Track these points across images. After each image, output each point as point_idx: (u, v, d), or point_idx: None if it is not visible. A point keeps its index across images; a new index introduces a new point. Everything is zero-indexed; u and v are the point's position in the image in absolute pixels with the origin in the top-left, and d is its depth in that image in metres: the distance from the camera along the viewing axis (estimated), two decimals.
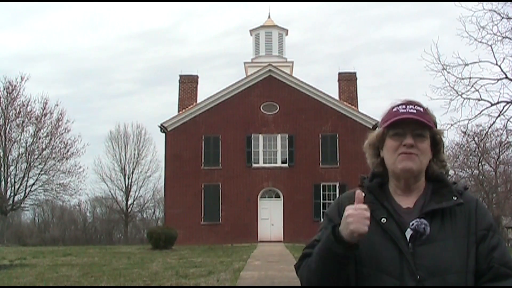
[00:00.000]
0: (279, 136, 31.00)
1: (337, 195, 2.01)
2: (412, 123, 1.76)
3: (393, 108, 1.82)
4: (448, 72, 19.06)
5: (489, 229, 1.75)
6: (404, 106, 1.79)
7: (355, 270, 1.73)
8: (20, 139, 34.82)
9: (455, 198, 1.76)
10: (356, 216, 1.61)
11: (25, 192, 35.38)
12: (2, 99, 34.41)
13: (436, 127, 1.83)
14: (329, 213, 1.90)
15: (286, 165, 30.82)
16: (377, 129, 1.88)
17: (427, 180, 1.84)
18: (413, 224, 1.70)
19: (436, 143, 1.83)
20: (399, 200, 1.81)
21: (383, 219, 1.75)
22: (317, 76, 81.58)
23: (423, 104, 1.83)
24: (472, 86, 19.04)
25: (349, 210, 1.63)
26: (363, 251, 1.71)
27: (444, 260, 1.67)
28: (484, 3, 18.46)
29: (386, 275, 1.68)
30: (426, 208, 1.75)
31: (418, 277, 1.65)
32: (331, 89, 35.46)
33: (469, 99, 19.20)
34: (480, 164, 36.10)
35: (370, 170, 1.91)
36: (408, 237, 1.70)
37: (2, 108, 34.34)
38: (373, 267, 1.70)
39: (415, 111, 1.78)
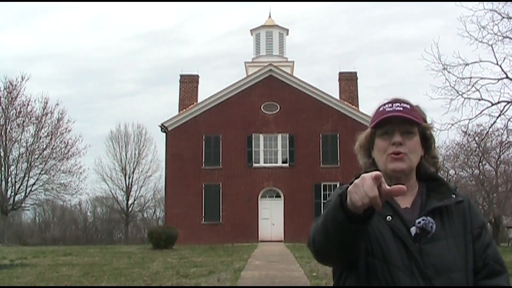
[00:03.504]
0: (279, 136, 31.00)
1: None
2: (399, 121, 1.75)
3: (380, 107, 1.82)
4: (449, 72, 19.04)
5: (482, 227, 1.77)
6: (390, 105, 1.78)
7: (366, 262, 1.69)
8: (20, 139, 34.90)
9: (454, 196, 1.77)
10: (357, 185, 1.45)
11: (26, 192, 35.43)
12: (2, 99, 34.46)
13: (425, 123, 1.83)
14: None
15: (287, 164, 30.81)
16: (367, 130, 1.87)
17: (420, 179, 1.82)
18: (419, 223, 1.69)
19: (427, 138, 1.82)
20: (396, 199, 1.79)
21: (388, 217, 1.73)
22: (319, 76, 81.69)
23: (411, 101, 1.82)
24: (473, 86, 19.02)
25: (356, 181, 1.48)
26: (374, 244, 1.69)
27: (448, 258, 1.67)
28: (485, 3, 18.46)
29: (399, 270, 1.66)
30: (428, 206, 1.74)
31: (426, 275, 1.65)
32: (333, 89, 35.50)
33: (469, 99, 19.17)
34: (480, 164, 36.05)
35: (363, 171, 1.88)
36: (413, 232, 1.69)
37: (2, 108, 34.38)
38: (386, 260, 1.68)
39: (401, 108, 1.76)
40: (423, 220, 1.69)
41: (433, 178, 1.82)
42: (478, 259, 1.72)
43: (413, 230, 1.70)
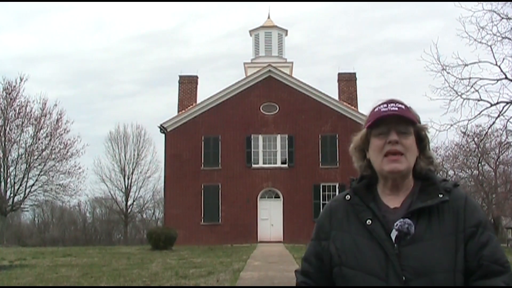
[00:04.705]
0: (278, 137, 31.00)
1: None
2: (394, 121, 1.75)
3: (375, 108, 1.82)
4: (448, 73, 19.05)
5: (478, 225, 1.72)
6: (385, 105, 1.79)
7: (340, 271, 1.74)
8: (19, 140, 34.82)
9: (441, 196, 1.74)
10: None
11: (25, 193, 35.36)
12: (1, 99, 34.44)
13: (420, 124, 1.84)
14: (320, 222, 1.90)
15: (286, 165, 30.81)
16: (362, 131, 1.86)
17: (416, 178, 1.82)
18: (397, 225, 1.69)
19: (421, 139, 1.81)
20: (387, 200, 1.80)
21: (368, 220, 1.74)
22: (319, 77, 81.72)
23: (405, 102, 1.82)
24: (472, 86, 19.03)
25: None
26: (348, 253, 1.73)
27: (430, 260, 1.65)
28: (484, 3, 18.46)
29: (372, 276, 1.67)
30: (412, 207, 1.73)
31: (404, 278, 1.64)
32: (333, 90, 35.52)
33: (468, 99, 19.18)
34: (479, 165, 36.11)
35: (358, 174, 1.90)
36: (393, 238, 1.69)
37: (1, 109, 34.35)
38: (359, 268, 1.70)
39: (396, 108, 1.77)
40: (400, 222, 1.69)
41: (426, 177, 1.82)
42: (472, 259, 1.67)
43: (394, 233, 1.69)
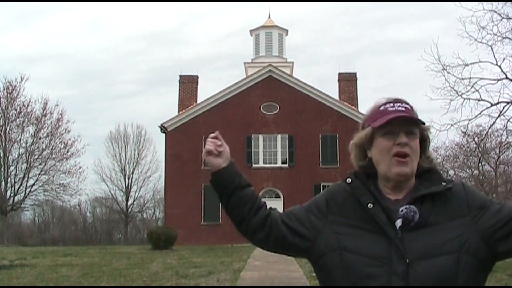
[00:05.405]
0: (279, 136, 31.01)
1: None
2: (402, 121, 1.74)
3: (379, 106, 1.80)
4: (448, 73, 19.03)
5: (483, 206, 1.72)
6: (392, 104, 1.77)
7: (341, 256, 1.71)
8: (20, 140, 34.86)
9: (444, 184, 1.75)
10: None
11: (25, 192, 35.39)
12: (2, 99, 34.46)
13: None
14: (318, 201, 1.91)
15: (286, 165, 30.82)
16: (366, 129, 1.82)
17: (416, 176, 1.81)
18: (402, 211, 1.68)
19: (424, 140, 1.82)
20: (389, 194, 1.79)
21: (369, 204, 1.73)
22: (319, 77, 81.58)
23: (409, 102, 1.82)
24: (472, 86, 19.01)
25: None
26: (349, 238, 1.72)
27: (434, 243, 1.65)
28: (484, 3, 18.44)
29: (375, 260, 1.66)
30: (415, 194, 1.73)
31: (407, 260, 1.63)
32: (333, 90, 35.51)
33: (469, 99, 19.16)
34: (480, 165, 36.06)
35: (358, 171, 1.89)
36: (398, 225, 1.68)
37: (2, 108, 34.37)
38: (361, 253, 1.68)
39: (403, 108, 1.76)
40: (405, 208, 1.68)
41: (426, 170, 1.82)
42: (499, 227, 1.67)
43: (398, 222, 1.68)
